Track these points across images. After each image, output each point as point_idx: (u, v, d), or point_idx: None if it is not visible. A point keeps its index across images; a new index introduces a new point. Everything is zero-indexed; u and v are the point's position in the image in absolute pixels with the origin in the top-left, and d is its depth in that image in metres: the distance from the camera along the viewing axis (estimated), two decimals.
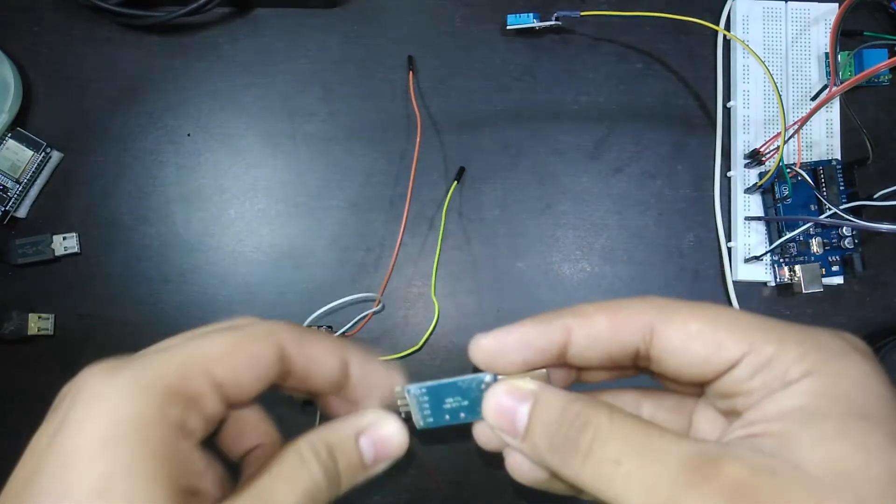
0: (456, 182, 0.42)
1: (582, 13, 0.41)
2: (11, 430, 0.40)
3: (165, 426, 0.17)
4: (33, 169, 0.41)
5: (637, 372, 0.23)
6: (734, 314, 0.19)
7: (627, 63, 0.44)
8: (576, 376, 0.23)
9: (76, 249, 0.41)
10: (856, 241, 0.41)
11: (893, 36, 0.43)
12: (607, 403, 0.19)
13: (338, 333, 0.41)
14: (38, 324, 0.40)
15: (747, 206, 0.42)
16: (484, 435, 0.23)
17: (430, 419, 0.24)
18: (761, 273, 0.42)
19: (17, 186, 0.41)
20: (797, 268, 0.41)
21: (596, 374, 0.23)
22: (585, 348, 0.21)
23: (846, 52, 0.42)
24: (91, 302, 0.42)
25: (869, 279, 0.43)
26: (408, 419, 0.24)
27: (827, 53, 0.43)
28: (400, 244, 0.42)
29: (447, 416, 0.23)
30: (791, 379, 0.17)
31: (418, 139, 0.42)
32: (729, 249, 0.43)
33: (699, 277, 0.43)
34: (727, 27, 0.44)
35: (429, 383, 0.23)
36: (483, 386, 0.22)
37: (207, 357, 0.19)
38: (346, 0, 0.44)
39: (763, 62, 0.40)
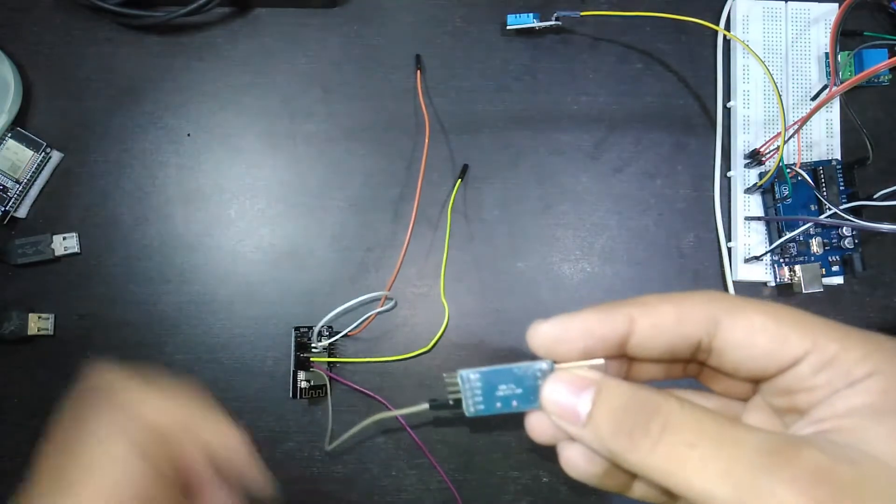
0: (460, 180, 0.42)
1: (582, 13, 0.41)
2: (11, 430, 0.40)
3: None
4: (33, 169, 0.41)
5: (687, 373, 0.23)
6: (798, 312, 0.19)
7: (627, 63, 0.44)
8: (625, 373, 0.23)
9: (76, 249, 0.41)
10: (856, 241, 0.41)
11: (893, 36, 0.43)
12: (674, 393, 0.19)
13: (341, 334, 0.41)
14: (38, 324, 0.40)
15: (747, 206, 0.42)
16: (538, 426, 0.23)
17: (481, 406, 0.23)
18: (761, 273, 0.42)
19: (17, 186, 0.41)
20: (797, 268, 0.41)
21: (646, 370, 0.23)
22: (649, 338, 0.21)
23: (846, 52, 0.42)
24: (91, 302, 0.42)
25: (869, 279, 0.43)
26: (456, 405, 0.23)
27: (827, 53, 0.43)
28: (408, 243, 0.42)
29: (498, 404, 0.23)
30: (855, 378, 0.18)
31: (427, 139, 0.42)
32: (729, 249, 0.43)
33: (699, 277, 0.43)
34: (727, 27, 0.44)
35: (483, 368, 0.23)
36: (539, 373, 0.22)
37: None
38: (346, 0, 0.44)
39: (763, 62, 0.40)
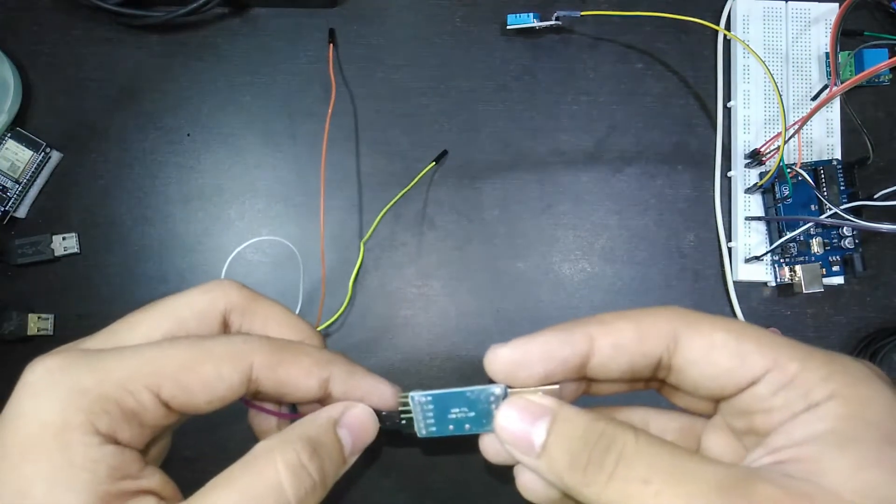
0: (434, 163, 0.42)
1: (582, 13, 0.41)
2: None
3: (89, 436, 0.18)
4: (33, 169, 0.41)
5: (648, 386, 0.22)
6: (759, 330, 0.19)
7: (627, 63, 0.44)
8: (584, 389, 0.22)
9: (76, 249, 0.41)
10: (856, 241, 0.41)
11: (893, 36, 0.43)
12: (630, 424, 0.19)
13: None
14: (38, 324, 0.40)
15: (748, 206, 0.42)
16: (492, 448, 0.22)
17: (433, 428, 0.23)
18: (762, 273, 0.42)
19: (17, 186, 0.41)
20: (797, 268, 0.41)
21: (606, 386, 0.23)
22: (610, 358, 0.20)
23: (846, 52, 0.42)
24: (91, 302, 0.42)
25: (869, 279, 0.43)
26: (408, 425, 0.23)
27: (827, 53, 0.43)
28: (323, 229, 0.41)
29: (451, 427, 0.22)
30: (815, 400, 0.17)
31: (330, 109, 0.40)
32: (729, 249, 0.43)
33: (699, 277, 0.43)
34: (727, 27, 0.44)
35: (434, 391, 0.22)
36: (492, 398, 0.21)
37: (158, 372, 0.19)
38: (346, 0, 0.44)
39: (763, 62, 0.40)
